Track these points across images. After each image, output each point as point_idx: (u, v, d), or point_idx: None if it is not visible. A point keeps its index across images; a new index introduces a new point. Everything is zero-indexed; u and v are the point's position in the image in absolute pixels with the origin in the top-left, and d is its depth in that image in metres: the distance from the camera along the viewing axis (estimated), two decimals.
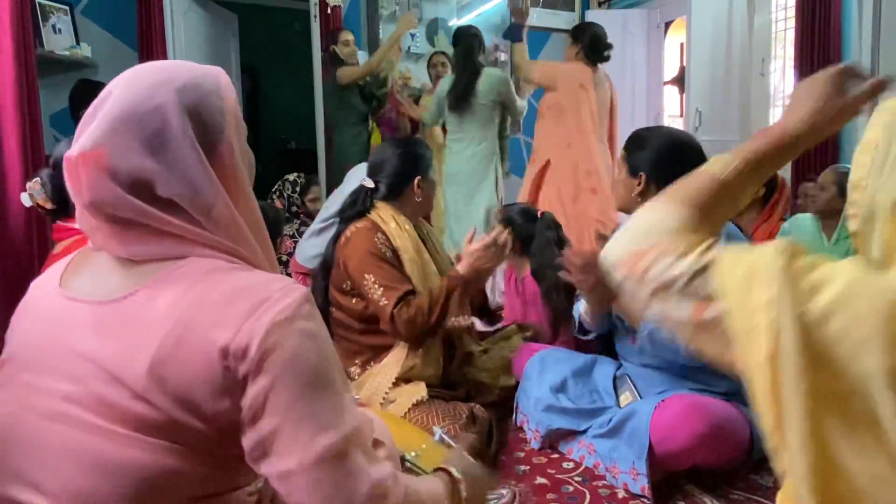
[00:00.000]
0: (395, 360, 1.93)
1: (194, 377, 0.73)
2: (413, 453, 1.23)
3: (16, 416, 0.77)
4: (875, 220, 0.66)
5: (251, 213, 0.86)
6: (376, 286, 1.87)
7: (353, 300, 1.96)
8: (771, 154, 0.80)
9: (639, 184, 1.78)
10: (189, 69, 0.84)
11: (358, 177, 2.76)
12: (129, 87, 0.79)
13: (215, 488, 0.79)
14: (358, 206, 2.06)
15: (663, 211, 0.76)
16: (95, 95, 0.80)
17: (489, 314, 2.41)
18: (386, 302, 1.85)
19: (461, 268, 1.93)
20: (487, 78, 3.58)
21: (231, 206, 0.82)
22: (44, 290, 0.85)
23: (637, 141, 1.86)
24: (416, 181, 2.05)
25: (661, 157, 1.77)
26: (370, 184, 2.07)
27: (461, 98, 3.57)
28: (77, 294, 0.80)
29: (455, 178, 3.66)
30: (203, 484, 0.78)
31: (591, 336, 2.00)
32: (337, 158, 4.13)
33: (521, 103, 3.80)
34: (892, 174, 0.65)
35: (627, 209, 1.86)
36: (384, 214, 2.01)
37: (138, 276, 0.78)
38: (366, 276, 1.88)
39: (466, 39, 3.63)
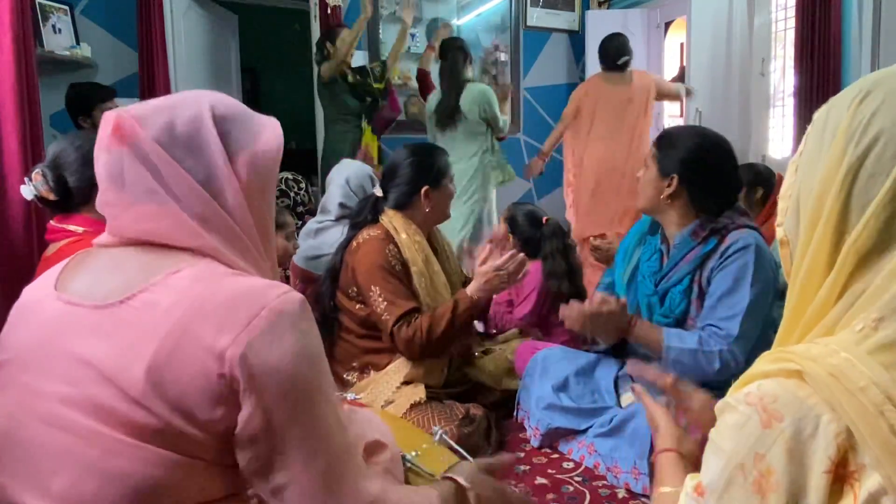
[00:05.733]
0: (398, 367, 1.92)
1: (190, 383, 0.73)
2: (413, 453, 1.23)
3: (15, 418, 0.77)
4: (799, 223, 0.68)
5: (263, 220, 0.87)
6: (381, 299, 1.85)
7: (357, 306, 1.95)
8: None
9: (668, 185, 1.73)
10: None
11: (341, 173, 2.73)
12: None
13: (214, 494, 0.79)
14: (365, 215, 2.02)
15: None
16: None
17: (487, 324, 2.37)
18: (388, 317, 1.84)
19: (470, 289, 1.88)
20: (468, 93, 3.52)
21: (245, 212, 0.83)
22: (39, 293, 0.84)
23: (669, 140, 1.78)
24: (423, 191, 1.99)
25: (694, 159, 1.71)
26: (380, 192, 2.03)
27: (447, 116, 3.52)
28: (74, 297, 0.80)
29: None
30: (202, 490, 0.78)
31: (600, 347, 1.96)
32: (324, 155, 4.02)
33: (505, 118, 3.72)
34: (807, 172, 0.68)
35: (653, 210, 1.81)
36: (396, 223, 1.98)
37: (136, 279, 0.78)
38: (372, 287, 1.87)
39: (452, 53, 3.55)
